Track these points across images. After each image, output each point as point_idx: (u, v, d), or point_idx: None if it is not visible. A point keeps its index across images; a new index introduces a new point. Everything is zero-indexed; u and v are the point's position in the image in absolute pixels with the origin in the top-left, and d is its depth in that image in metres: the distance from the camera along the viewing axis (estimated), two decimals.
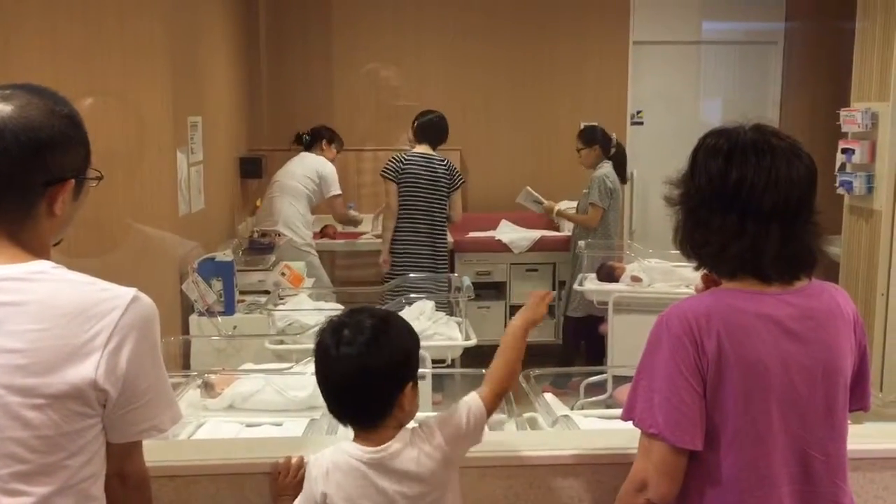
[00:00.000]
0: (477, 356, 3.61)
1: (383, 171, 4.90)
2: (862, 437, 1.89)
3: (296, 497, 1.75)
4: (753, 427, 1.52)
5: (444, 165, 4.91)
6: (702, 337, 1.51)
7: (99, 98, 3.15)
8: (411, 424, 1.65)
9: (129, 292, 1.33)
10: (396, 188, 4.83)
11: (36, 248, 1.34)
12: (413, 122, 5.00)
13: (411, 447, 1.60)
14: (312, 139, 5.43)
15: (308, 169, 5.24)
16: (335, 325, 1.63)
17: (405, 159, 4.86)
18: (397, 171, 4.83)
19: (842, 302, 1.62)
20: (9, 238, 1.32)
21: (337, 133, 5.53)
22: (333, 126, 5.68)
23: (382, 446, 1.59)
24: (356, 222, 5.66)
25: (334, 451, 1.63)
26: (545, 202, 5.61)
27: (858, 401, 1.65)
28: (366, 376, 1.58)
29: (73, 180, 1.36)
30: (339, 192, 5.31)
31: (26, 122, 1.30)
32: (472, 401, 1.68)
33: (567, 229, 5.79)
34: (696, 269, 1.65)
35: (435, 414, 1.77)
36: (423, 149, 4.92)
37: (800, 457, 1.55)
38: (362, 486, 1.57)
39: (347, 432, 2.21)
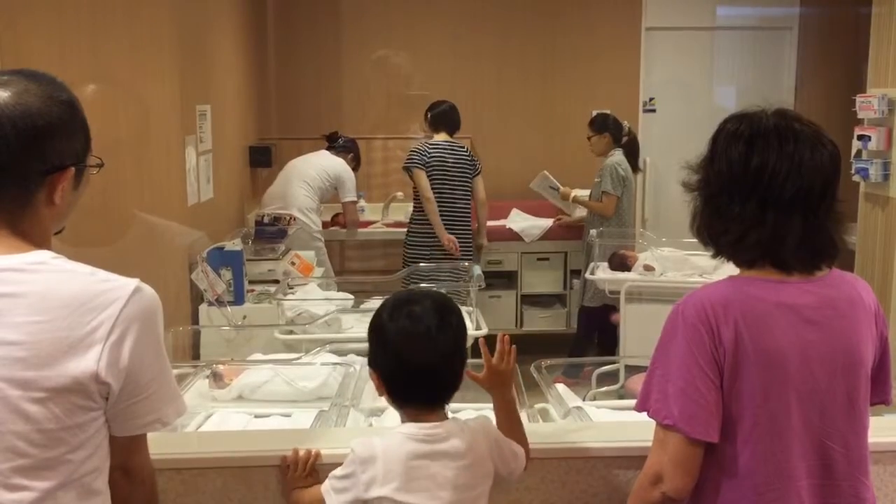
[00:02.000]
0: (487, 346, 3.57)
1: (409, 161, 4.93)
2: (883, 429, 1.85)
3: (307, 489, 1.73)
4: (772, 418, 1.49)
5: (466, 152, 4.99)
6: (718, 326, 1.48)
7: (106, 86, 3.12)
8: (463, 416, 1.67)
9: (130, 283, 1.29)
10: (426, 174, 4.84)
11: (36, 238, 1.31)
12: (426, 114, 5.06)
13: (465, 427, 1.61)
14: (343, 147, 5.44)
15: (329, 166, 5.25)
16: (414, 306, 1.60)
17: (430, 147, 4.89)
18: (424, 161, 4.86)
19: (863, 292, 1.58)
20: (8, 228, 1.29)
21: (361, 160, 5.60)
22: (343, 114, 5.66)
23: (438, 423, 1.59)
24: (358, 227, 5.68)
25: (385, 436, 1.59)
26: (562, 188, 5.59)
27: (879, 394, 1.61)
28: (459, 353, 1.63)
29: (72, 168, 1.32)
30: (354, 198, 5.35)
31: (24, 109, 1.27)
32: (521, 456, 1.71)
33: (579, 213, 5.74)
34: (714, 257, 1.61)
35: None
36: (442, 137, 4.97)
37: (819, 449, 1.51)
38: (414, 468, 1.54)
39: (357, 423, 2.19)
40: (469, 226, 5.05)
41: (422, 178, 4.85)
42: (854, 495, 1.53)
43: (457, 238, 4.93)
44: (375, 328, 1.63)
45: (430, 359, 1.59)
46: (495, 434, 1.67)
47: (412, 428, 1.58)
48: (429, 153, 4.88)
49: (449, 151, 4.92)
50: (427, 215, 4.90)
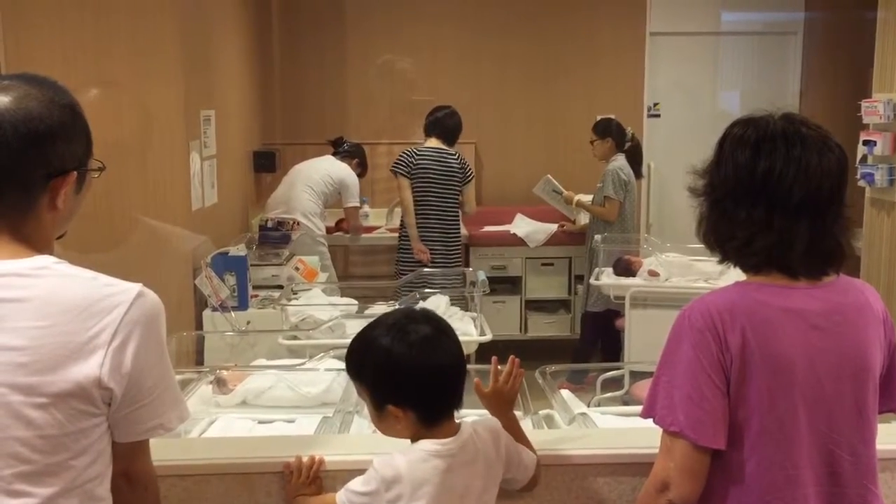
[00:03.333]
0: (492, 352, 3.56)
1: (395, 165, 4.90)
2: (891, 436, 1.84)
3: (311, 496, 1.72)
4: (779, 425, 1.47)
5: (456, 159, 4.91)
6: (725, 331, 1.47)
7: (110, 91, 3.13)
8: (471, 418, 1.68)
9: (133, 288, 1.29)
10: (409, 183, 4.81)
11: (38, 243, 1.30)
12: (426, 118, 5.04)
13: (476, 431, 1.62)
14: (348, 152, 5.44)
15: (333, 172, 5.25)
16: (416, 322, 1.61)
17: (417, 154, 4.86)
18: (409, 166, 4.83)
19: (871, 298, 1.57)
20: (10, 233, 1.28)
21: (367, 166, 5.60)
22: (347, 119, 5.70)
23: (455, 436, 1.59)
24: (362, 233, 5.67)
25: (408, 454, 1.57)
26: (565, 192, 5.58)
27: (888, 402, 1.60)
28: (463, 360, 1.65)
29: (75, 172, 1.32)
30: (357, 204, 5.35)
31: (26, 114, 1.26)
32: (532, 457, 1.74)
33: (584, 221, 5.74)
34: (720, 262, 1.60)
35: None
36: (434, 143, 4.93)
37: (827, 457, 1.50)
38: (438, 484, 1.54)
39: (361, 429, 2.18)
40: (457, 233, 5.00)
41: (404, 186, 4.83)
42: (862, 503, 1.52)
43: (444, 245, 4.90)
44: (387, 365, 1.57)
45: (454, 356, 1.61)
46: (505, 438, 1.68)
47: (433, 444, 1.57)
48: (415, 158, 4.84)
49: (436, 159, 4.86)
50: (404, 217, 4.90)
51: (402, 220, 5.00)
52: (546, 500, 1.84)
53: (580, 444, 1.90)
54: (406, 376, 1.57)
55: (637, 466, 1.79)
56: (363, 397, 1.64)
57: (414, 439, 1.60)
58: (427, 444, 1.57)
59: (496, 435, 1.66)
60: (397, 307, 3.29)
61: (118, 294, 1.27)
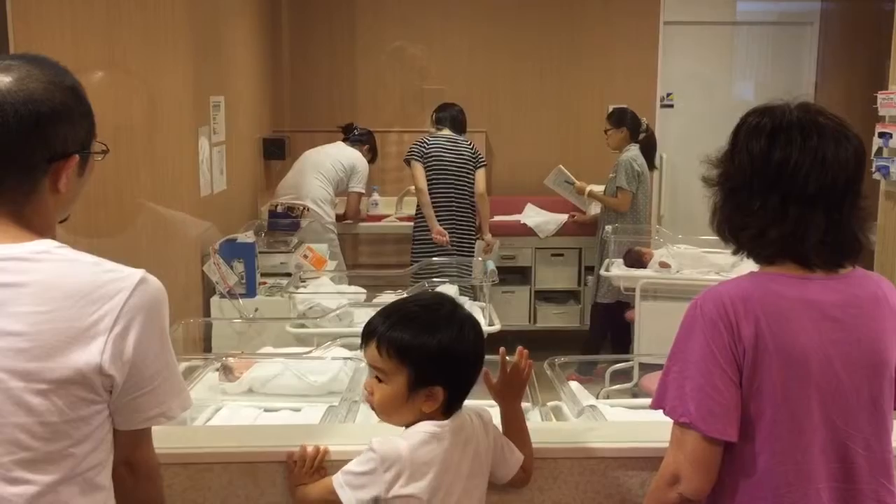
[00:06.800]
0: (500, 342, 3.54)
1: (408, 154, 4.96)
2: None
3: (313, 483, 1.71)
4: (792, 419, 1.45)
5: (469, 146, 4.96)
6: (738, 322, 1.44)
7: (120, 76, 3.11)
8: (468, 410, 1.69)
9: (136, 273, 1.27)
10: (423, 167, 4.81)
11: (40, 227, 1.28)
12: (432, 115, 5.09)
13: (469, 418, 1.63)
14: (359, 138, 5.44)
15: (344, 158, 5.27)
16: (443, 307, 1.62)
17: (429, 141, 4.88)
18: (422, 154, 4.85)
19: (888, 291, 1.54)
20: (11, 217, 1.26)
21: (377, 152, 5.61)
22: (358, 107, 5.71)
23: (451, 418, 1.59)
24: (360, 220, 5.68)
25: (407, 437, 1.56)
26: (577, 182, 5.55)
27: None
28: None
29: (77, 155, 1.30)
30: (362, 190, 5.38)
31: (27, 95, 1.24)
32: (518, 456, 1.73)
33: (595, 212, 5.71)
34: (734, 253, 1.57)
35: None
36: (446, 132, 4.97)
37: (841, 451, 1.47)
38: (438, 465, 1.54)
39: (367, 419, 2.17)
40: (472, 220, 5.03)
41: (417, 169, 4.86)
42: (876, 499, 1.49)
43: (457, 232, 4.92)
44: (440, 348, 1.55)
45: (481, 355, 1.62)
46: (495, 429, 1.68)
47: (432, 426, 1.56)
48: (428, 145, 4.89)
49: (449, 145, 4.91)
50: (421, 205, 4.90)
51: (417, 210, 5.00)
52: (553, 493, 1.82)
53: (588, 436, 1.88)
54: (468, 363, 1.60)
55: (647, 460, 1.78)
56: (393, 374, 1.57)
57: (409, 425, 1.59)
58: (427, 426, 1.56)
59: (486, 423, 1.66)
60: (405, 295, 3.27)
61: (120, 280, 1.25)
